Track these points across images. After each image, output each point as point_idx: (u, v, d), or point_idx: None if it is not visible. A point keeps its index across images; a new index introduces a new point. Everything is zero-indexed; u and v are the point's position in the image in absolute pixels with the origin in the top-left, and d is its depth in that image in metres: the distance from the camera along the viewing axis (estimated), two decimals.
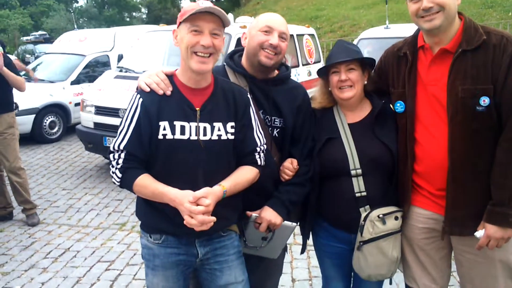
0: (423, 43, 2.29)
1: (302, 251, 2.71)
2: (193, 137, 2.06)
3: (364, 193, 2.34)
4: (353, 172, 2.34)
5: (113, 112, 6.77)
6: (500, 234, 2.14)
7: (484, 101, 2.10)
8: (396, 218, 2.36)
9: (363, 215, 2.33)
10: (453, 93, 2.15)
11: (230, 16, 8.92)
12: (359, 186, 2.34)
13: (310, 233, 2.64)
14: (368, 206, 2.35)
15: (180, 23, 2.06)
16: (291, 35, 9.22)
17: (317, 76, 2.56)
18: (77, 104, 9.44)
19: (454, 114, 2.16)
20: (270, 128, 2.40)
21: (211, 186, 2.01)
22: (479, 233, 2.18)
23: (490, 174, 2.16)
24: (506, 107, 2.10)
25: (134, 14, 56.06)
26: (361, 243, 2.33)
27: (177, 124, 2.05)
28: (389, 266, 2.38)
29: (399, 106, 2.35)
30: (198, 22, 2.01)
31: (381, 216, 2.31)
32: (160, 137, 2.04)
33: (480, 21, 11.98)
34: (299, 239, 2.70)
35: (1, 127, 5.23)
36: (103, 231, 5.25)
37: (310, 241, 2.65)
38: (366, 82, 2.45)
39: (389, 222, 2.33)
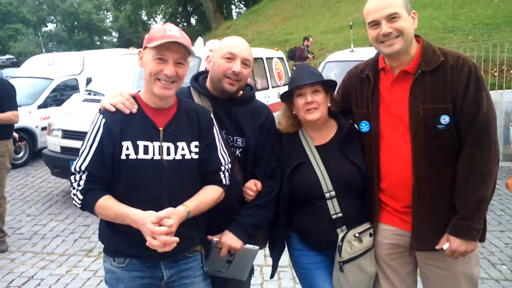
0: (384, 65, 2.37)
1: (272, 275, 2.68)
2: (157, 157, 2.05)
3: (340, 214, 2.36)
4: (327, 195, 2.36)
5: (81, 135, 6.62)
6: (464, 247, 2.19)
7: (444, 119, 2.18)
8: (371, 235, 2.40)
9: (340, 235, 2.35)
10: (415, 112, 2.22)
11: (200, 40, 8.98)
12: (334, 208, 2.36)
13: (282, 254, 2.62)
14: (344, 227, 2.37)
15: (146, 46, 2.07)
16: (261, 58, 9.35)
17: None
18: (43, 128, 9.26)
19: (416, 133, 2.22)
20: (232, 148, 2.41)
21: (175, 207, 1.99)
22: (445, 246, 2.23)
23: (453, 189, 2.23)
24: (465, 124, 2.18)
25: (104, 38, 55.81)
26: (341, 263, 2.34)
27: (140, 144, 2.04)
28: (368, 281, 2.42)
29: (364, 126, 2.40)
30: (164, 52, 2.02)
31: (357, 235, 2.34)
32: (123, 157, 2.02)
33: (442, 45, 12.35)
34: (270, 261, 2.68)
35: None
36: (68, 257, 5.11)
37: (280, 263, 2.64)
38: (329, 104, 2.49)
39: (365, 239, 2.36)
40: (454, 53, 2.26)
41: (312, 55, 14.79)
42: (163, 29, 2.05)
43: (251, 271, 2.67)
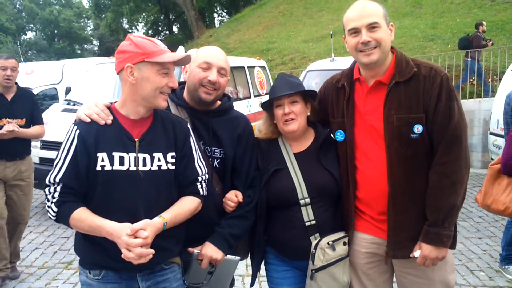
0: (358, 76, 2.40)
1: (252, 284, 2.68)
2: (132, 168, 2.04)
3: (313, 222, 2.38)
4: (302, 202, 2.38)
5: (60, 146, 6.54)
6: (435, 254, 2.23)
7: (418, 128, 2.22)
8: (345, 244, 2.41)
9: (314, 243, 2.36)
10: (389, 121, 2.26)
11: (181, 48, 8.98)
12: (308, 215, 2.38)
13: (262, 263, 2.63)
14: (318, 234, 2.38)
15: (140, 61, 2.02)
16: (242, 67, 9.38)
17: None
18: None
19: (391, 142, 2.26)
20: (210, 159, 2.41)
21: (152, 218, 1.98)
22: (417, 253, 2.26)
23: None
24: (437, 133, 2.23)
25: (85, 46, 55.28)
26: (313, 271, 2.35)
27: (116, 155, 2.03)
28: None
29: (339, 135, 2.43)
30: (168, 65, 2.06)
31: (330, 243, 2.35)
32: (98, 168, 2.01)
33: (422, 54, 12.59)
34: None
35: (27, 171, 4.84)
36: (47, 270, 5.03)
37: (262, 272, 2.64)
38: (309, 114, 2.51)
39: (338, 248, 2.37)
40: (426, 64, 2.31)
41: (490, 42, 11.92)
42: (153, 43, 2.06)
43: (232, 282, 2.66)
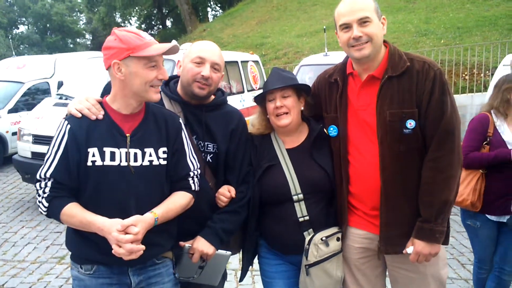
0: (351, 70, 2.40)
1: (241, 279, 2.70)
2: (124, 163, 2.03)
3: (306, 217, 2.38)
4: (295, 198, 2.38)
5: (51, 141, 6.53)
6: (428, 250, 2.23)
7: (410, 123, 2.22)
8: (338, 239, 2.41)
9: (307, 238, 2.37)
10: (382, 116, 2.26)
11: (174, 43, 8.93)
12: (301, 210, 2.38)
13: (254, 258, 2.64)
14: (311, 230, 2.38)
15: (126, 56, 1.98)
16: (236, 62, 9.36)
17: None
18: (14, 134, 9.07)
19: (384, 137, 2.26)
20: (203, 154, 2.40)
21: (143, 213, 1.98)
22: (410, 249, 2.26)
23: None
24: (430, 129, 2.22)
25: (78, 40, 54.82)
26: (307, 267, 2.36)
27: (107, 150, 2.02)
28: (334, 286, 2.42)
29: (332, 130, 2.43)
30: (155, 57, 2.02)
31: (324, 238, 2.35)
32: (89, 163, 2.00)
33: (415, 49, 12.59)
34: None
35: None
36: (40, 265, 5.02)
37: (255, 267, 2.64)
38: (303, 108, 2.50)
39: (331, 243, 2.38)
40: (420, 58, 2.31)
41: None
42: (137, 36, 2.02)
43: (224, 276, 2.67)
